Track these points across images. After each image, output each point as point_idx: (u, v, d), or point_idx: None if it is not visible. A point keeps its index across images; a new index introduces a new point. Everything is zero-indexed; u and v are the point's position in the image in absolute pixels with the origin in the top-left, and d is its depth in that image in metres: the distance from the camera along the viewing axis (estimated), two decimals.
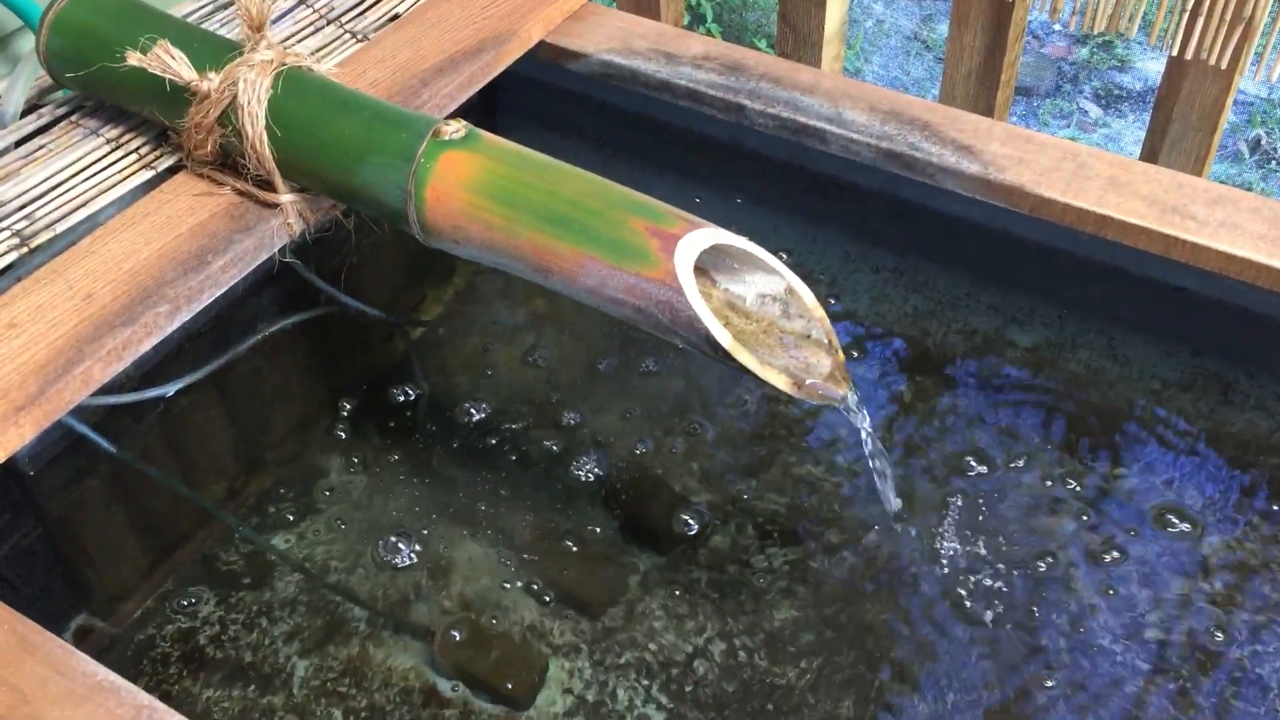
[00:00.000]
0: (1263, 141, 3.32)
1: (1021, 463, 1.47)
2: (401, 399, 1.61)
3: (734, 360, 1.16)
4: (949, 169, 1.50)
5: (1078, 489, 1.45)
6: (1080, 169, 1.48)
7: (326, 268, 1.63)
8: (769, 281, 1.23)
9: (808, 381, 1.18)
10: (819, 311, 1.21)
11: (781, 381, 1.17)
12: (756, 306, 1.24)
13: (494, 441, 1.56)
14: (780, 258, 1.27)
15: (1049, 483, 1.46)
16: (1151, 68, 3.62)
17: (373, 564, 1.45)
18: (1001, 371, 1.58)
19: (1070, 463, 1.47)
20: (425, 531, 1.47)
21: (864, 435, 1.22)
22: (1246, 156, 3.29)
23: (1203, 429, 1.50)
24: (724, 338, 1.15)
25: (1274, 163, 3.28)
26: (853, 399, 1.17)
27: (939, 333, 1.63)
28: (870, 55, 3.75)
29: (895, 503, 1.30)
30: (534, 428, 1.58)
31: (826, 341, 1.21)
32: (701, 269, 1.25)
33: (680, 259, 1.16)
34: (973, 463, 1.48)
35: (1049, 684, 1.30)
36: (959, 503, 1.45)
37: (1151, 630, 1.32)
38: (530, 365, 1.66)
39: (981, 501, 1.45)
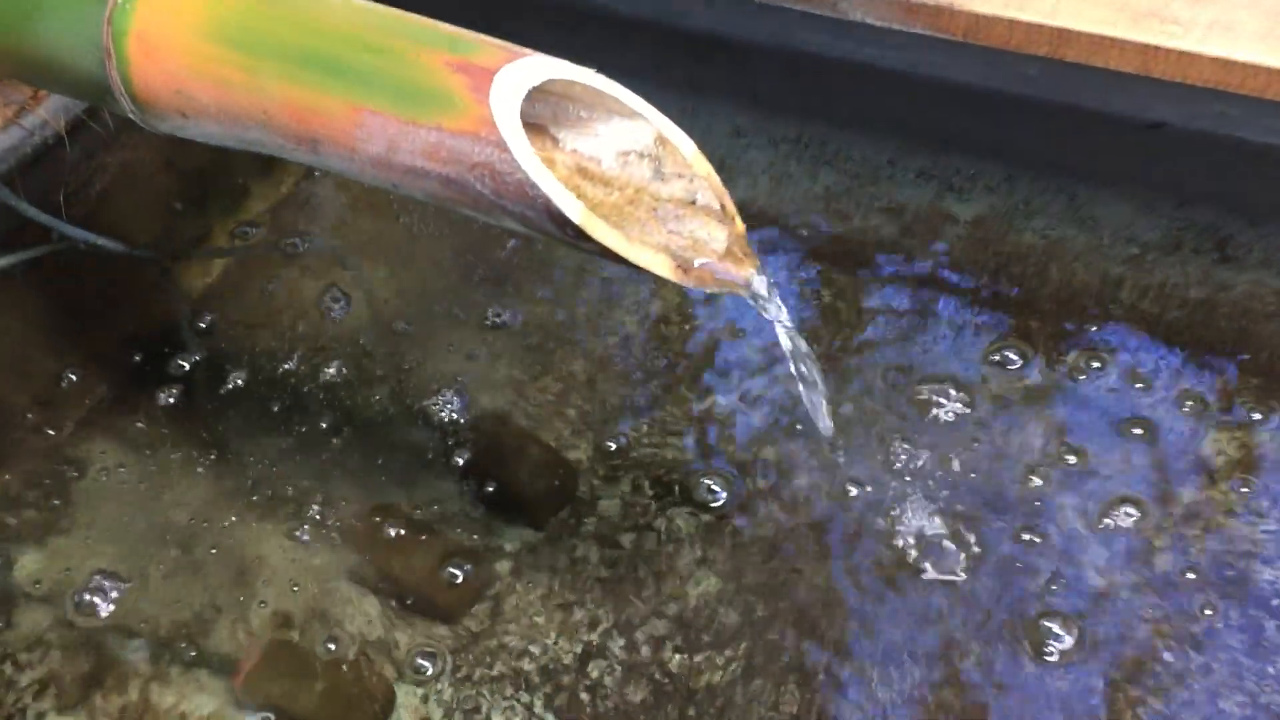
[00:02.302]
0: None
1: (974, 370, 1.15)
2: (182, 360, 1.23)
3: (591, 241, 0.80)
4: None
5: (1045, 399, 1.13)
6: None
7: (62, 194, 1.22)
8: (631, 132, 0.88)
9: (697, 263, 0.83)
10: (704, 166, 0.86)
11: (661, 265, 0.82)
12: (618, 168, 0.88)
13: (308, 407, 1.19)
14: None
15: (1009, 393, 1.13)
16: None
17: (155, 576, 1.08)
18: (940, 254, 1.25)
19: (1034, 364, 1.15)
20: (224, 525, 1.10)
21: (781, 332, 0.87)
22: None
23: (1196, 298, 1.18)
24: (572, 207, 0.79)
25: None
26: (761, 282, 0.82)
27: (859, 214, 1.29)
28: None
29: (827, 424, 0.97)
30: (360, 384, 1.21)
31: (719, 206, 0.86)
32: (537, 124, 0.89)
33: (499, 101, 0.80)
34: (915, 376, 1.15)
35: (1034, 651, 0.98)
36: (903, 426, 1.12)
37: (1151, 598, 1.01)
38: (352, 308, 1.28)
39: (929, 422, 1.12)
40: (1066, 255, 1.23)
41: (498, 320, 1.25)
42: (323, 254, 1.34)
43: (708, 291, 0.84)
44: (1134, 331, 1.17)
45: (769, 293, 0.83)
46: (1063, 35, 1.09)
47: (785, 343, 0.88)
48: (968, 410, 1.13)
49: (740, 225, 0.86)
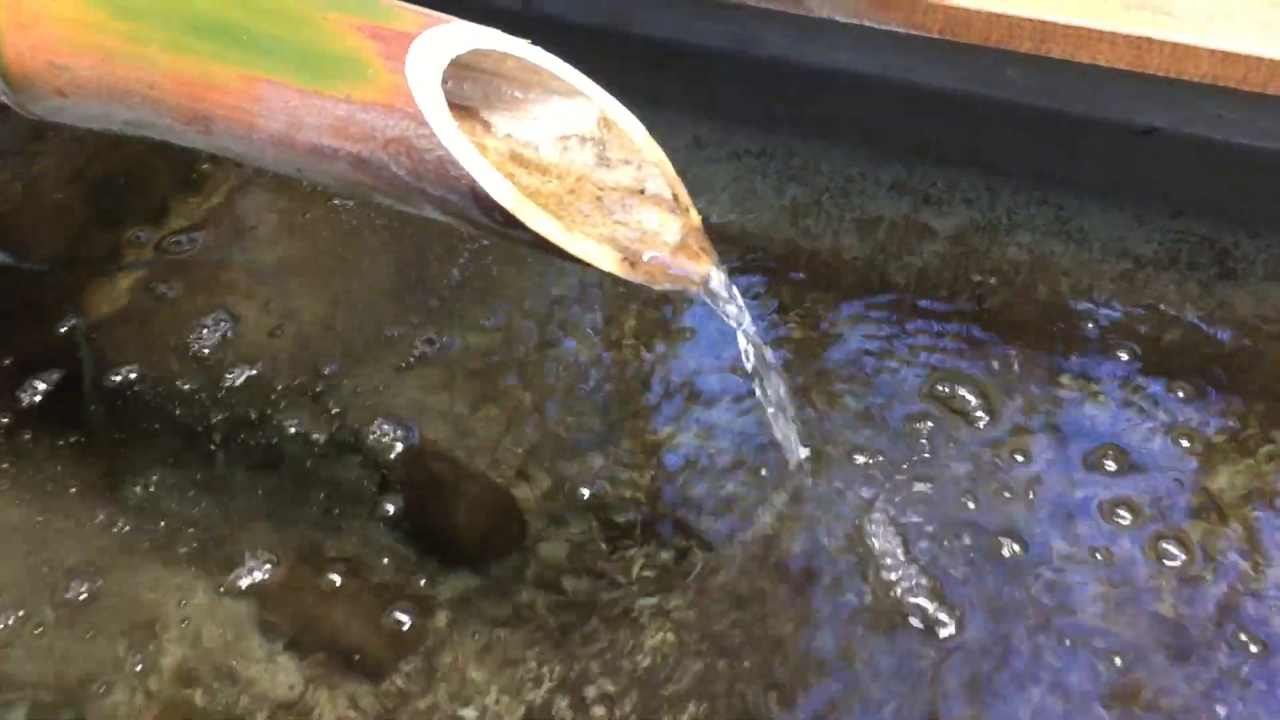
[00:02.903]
0: None
1: (955, 395, 1.04)
2: (77, 386, 1.10)
3: (523, 228, 0.69)
4: None
5: (1034, 426, 1.02)
6: None
7: None
8: (572, 113, 0.77)
9: (647, 256, 0.72)
10: (654, 151, 0.76)
11: (605, 257, 0.71)
12: (557, 154, 0.77)
13: (222, 440, 1.07)
14: None
15: (995, 420, 1.02)
16: None
17: (38, 628, 0.95)
18: (916, 272, 1.15)
19: (1019, 390, 1.04)
20: (120, 571, 0.98)
21: (743, 339, 0.76)
22: None
23: (1196, 315, 1.09)
24: (501, 190, 0.69)
25: None
26: (719, 278, 0.72)
27: (828, 231, 1.19)
28: None
29: (798, 452, 0.85)
30: (282, 415, 1.08)
31: (670, 196, 0.75)
32: (466, 106, 0.79)
33: (417, 68, 0.69)
34: (892, 403, 1.04)
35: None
36: (881, 458, 1.01)
37: (1160, 656, 0.90)
38: (274, 332, 1.16)
39: (910, 454, 1.01)
40: (1054, 270, 1.13)
41: (438, 345, 1.14)
42: (244, 272, 1.22)
43: (658, 289, 0.73)
44: (1128, 352, 1.07)
45: (728, 292, 0.73)
46: (1047, 29, 1.00)
47: (746, 350, 0.77)
48: (951, 440, 1.02)
49: (695, 217, 0.76)
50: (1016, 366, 1.07)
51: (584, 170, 0.77)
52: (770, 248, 1.19)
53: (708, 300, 0.73)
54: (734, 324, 0.74)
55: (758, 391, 0.80)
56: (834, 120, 1.23)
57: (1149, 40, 0.97)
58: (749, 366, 0.78)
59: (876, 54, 1.12)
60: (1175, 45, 0.96)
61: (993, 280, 1.13)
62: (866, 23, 1.06)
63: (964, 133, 1.18)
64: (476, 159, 0.68)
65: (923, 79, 1.13)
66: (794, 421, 0.84)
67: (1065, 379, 1.05)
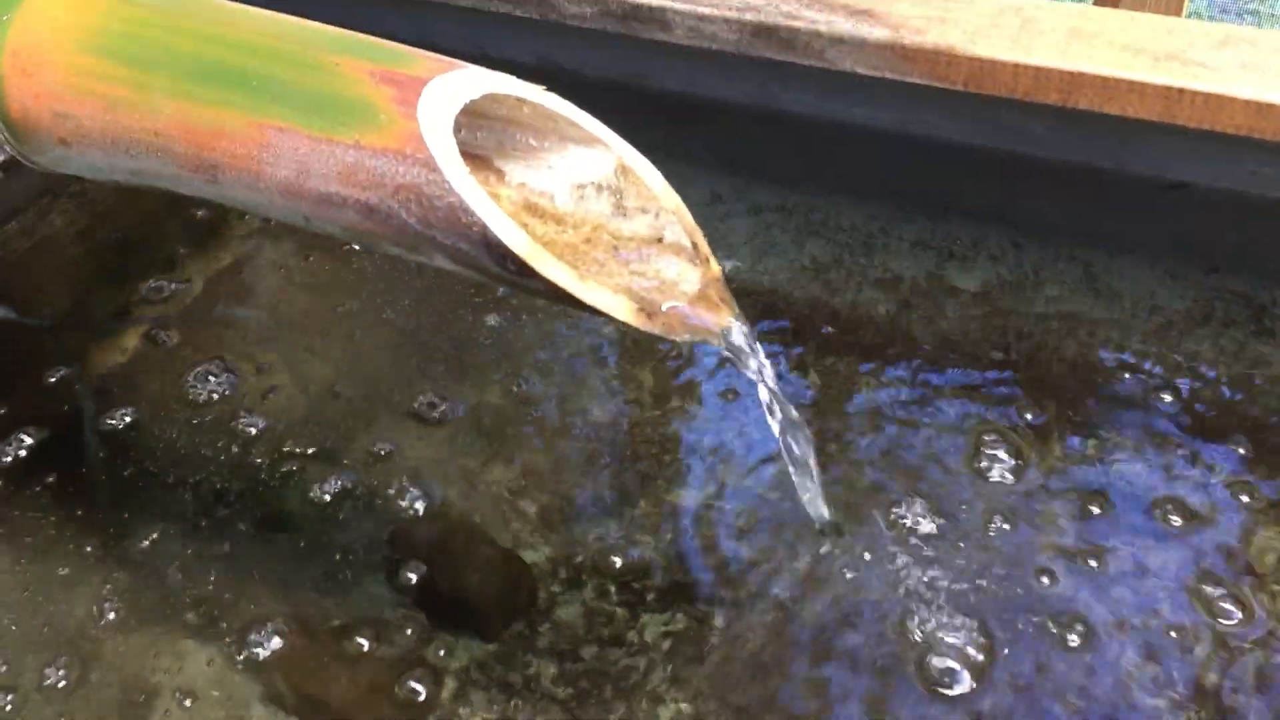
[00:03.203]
0: None
1: (985, 456, 1.00)
2: (77, 446, 1.08)
3: (537, 277, 0.66)
4: (845, 39, 1.05)
5: (1066, 490, 0.98)
6: (1027, 24, 1.04)
7: None
8: (588, 161, 0.75)
9: (666, 306, 0.69)
10: (672, 199, 0.73)
11: (621, 307, 0.68)
12: (572, 204, 0.75)
13: (224, 502, 1.04)
14: None
15: (1025, 484, 0.98)
16: None
17: (30, 695, 0.91)
18: (941, 330, 1.11)
19: (1049, 449, 1.00)
20: (118, 638, 0.94)
21: (765, 397, 0.73)
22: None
23: (1229, 375, 1.05)
24: (514, 237, 0.66)
25: None
26: (741, 330, 0.69)
27: (850, 287, 1.16)
28: None
29: (822, 513, 0.81)
30: (286, 475, 1.06)
31: (690, 245, 0.72)
32: (480, 156, 0.76)
33: (429, 113, 0.67)
34: (919, 466, 1.00)
35: None
36: (908, 522, 0.97)
37: None
38: (279, 392, 1.14)
39: (939, 518, 0.97)
40: (1083, 328, 1.09)
41: (449, 403, 1.11)
42: (253, 329, 1.20)
43: (677, 340, 0.70)
44: (1162, 410, 1.03)
45: (750, 345, 0.70)
46: (1075, 79, 0.98)
47: (769, 405, 0.74)
48: (980, 500, 0.98)
49: (716, 267, 0.73)
50: (1046, 425, 1.03)
51: (600, 220, 0.74)
52: (790, 304, 1.17)
53: (728, 353, 0.70)
54: (755, 378, 0.71)
55: (780, 448, 0.77)
56: (855, 176, 1.21)
57: (1180, 91, 0.94)
58: (772, 423, 0.74)
59: (898, 108, 1.10)
60: (1208, 96, 0.94)
61: (1020, 338, 1.10)
62: (889, 75, 1.04)
63: (988, 188, 1.15)
64: (489, 205, 0.66)
65: (946, 134, 1.11)
66: (818, 480, 0.80)
67: (1097, 437, 1.02)
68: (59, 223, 1.17)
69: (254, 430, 1.08)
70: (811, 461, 0.78)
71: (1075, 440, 1.01)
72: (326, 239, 1.30)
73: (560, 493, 1.04)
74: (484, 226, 0.66)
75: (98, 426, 1.10)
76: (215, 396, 1.12)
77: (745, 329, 0.70)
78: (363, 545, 1.01)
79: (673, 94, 1.22)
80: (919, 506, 0.97)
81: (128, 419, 1.10)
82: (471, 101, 0.72)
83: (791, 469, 0.78)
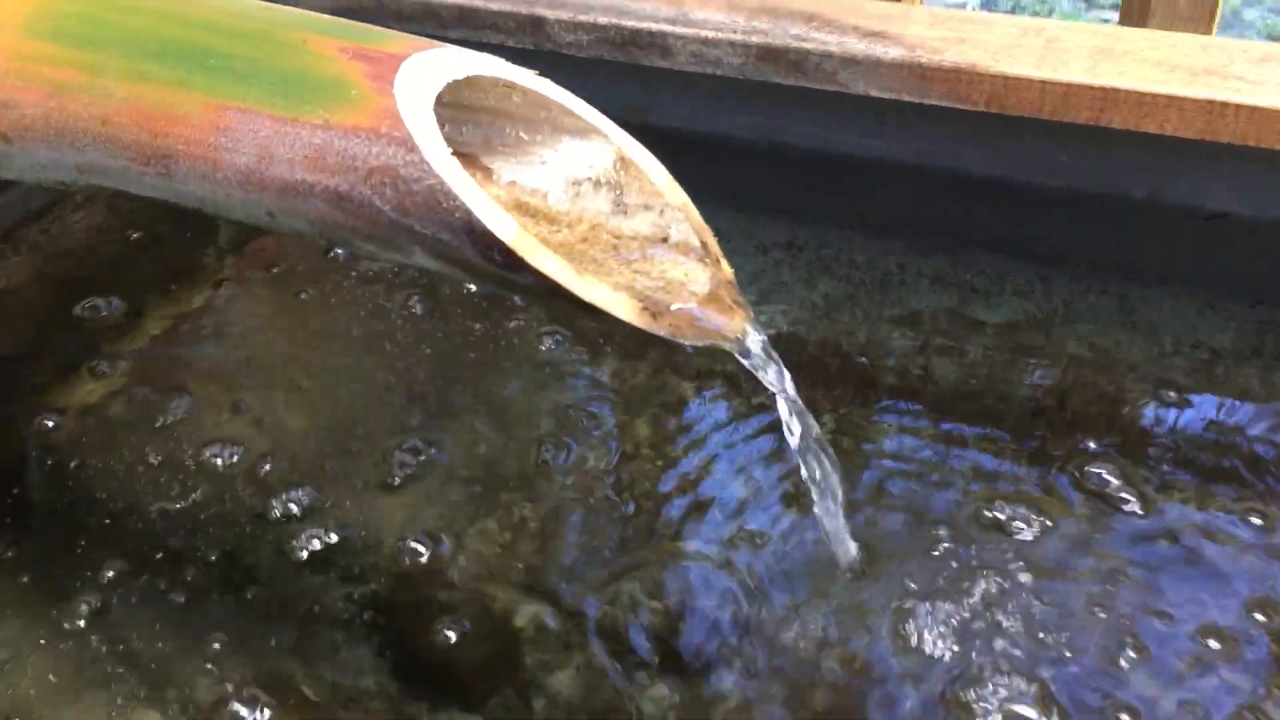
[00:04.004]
0: None
1: (1015, 504, 0.91)
2: (31, 498, 0.99)
3: (527, 270, 0.58)
4: (858, 60, 0.99)
5: (1107, 540, 0.88)
6: (1052, 43, 0.98)
7: None
8: (585, 154, 0.68)
9: (674, 307, 0.61)
10: (678, 194, 0.66)
11: (621, 305, 0.60)
12: (568, 201, 0.67)
13: (190, 559, 0.95)
14: None
15: (1063, 534, 0.89)
16: None
17: None
18: (964, 369, 1.03)
19: (1083, 497, 0.91)
20: (68, 707, 0.83)
21: (785, 412, 0.64)
22: None
23: None
24: (500, 223, 0.58)
25: None
26: (756, 337, 0.60)
27: (864, 328, 1.09)
28: None
29: (849, 549, 0.72)
30: (257, 529, 0.96)
31: (699, 244, 0.65)
32: (465, 152, 0.69)
33: (407, 89, 0.60)
34: (947, 518, 0.91)
35: None
36: (938, 580, 0.88)
37: None
38: (250, 441, 1.05)
39: (969, 574, 0.87)
40: (1120, 364, 1.01)
41: (431, 452, 1.02)
42: (223, 374, 1.11)
43: (685, 343, 0.62)
44: (1209, 449, 0.94)
45: (766, 353, 0.61)
46: (1108, 96, 0.91)
47: (788, 422, 0.65)
48: (1014, 557, 0.89)
49: (727, 269, 0.65)
50: (1080, 471, 0.94)
51: (598, 218, 0.67)
52: (802, 346, 1.09)
53: (742, 361, 0.62)
54: (773, 388, 0.63)
55: (802, 472, 0.68)
56: (868, 210, 1.14)
57: (1222, 105, 0.88)
58: (791, 440, 0.66)
59: (912, 139, 1.04)
60: (1252, 109, 0.87)
61: (1051, 376, 1.02)
62: (905, 97, 0.97)
63: (1012, 220, 1.08)
64: (472, 188, 0.58)
65: (965, 164, 1.04)
66: (840, 507, 0.71)
67: (1138, 482, 0.93)
68: (22, 263, 1.10)
69: (221, 480, 1.00)
70: (835, 486, 0.69)
71: (1113, 483, 0.92)
72: (300, 276, 1.22)
73: (553, 548, 0.95)
74: (467, 211, 0.58)
75: (48, 475, 1.01)
76: (178, 444, 1.03)
77: (762, 336, 0.62)
78: (336, 606, 0.91)
79: (672, 129, 1.16)
80: (945, 561, 0.88)
81: (80, 468, 1.01)
82: (457, 92, 0.65)
83: (814, 496, 0.69)
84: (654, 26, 1.05)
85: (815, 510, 0.70)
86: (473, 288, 1.17)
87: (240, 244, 1.28)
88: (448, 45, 0.64)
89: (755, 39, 1.02)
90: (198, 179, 0.64)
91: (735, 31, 1.03)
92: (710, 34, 1.04)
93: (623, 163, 0.67)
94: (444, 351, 1.11)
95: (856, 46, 0.99)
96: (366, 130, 0.60)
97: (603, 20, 1.07)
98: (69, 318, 1.15)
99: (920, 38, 1.00)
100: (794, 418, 0.65)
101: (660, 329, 0.60)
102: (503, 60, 0.65)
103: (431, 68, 0.62)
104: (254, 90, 0.62)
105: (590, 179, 0.67)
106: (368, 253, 0.65)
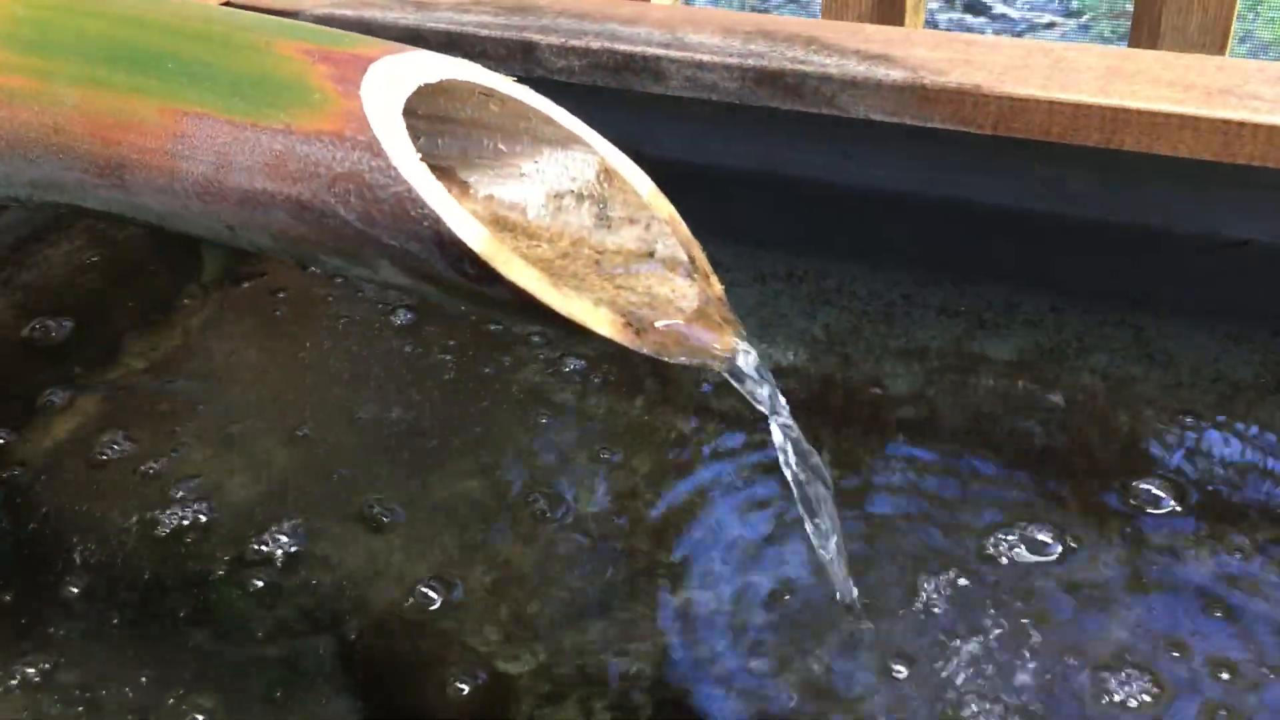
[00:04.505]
0: None
1: (1027, 542, 0.86)
2: None
3: (500, 282, 0.54)
4: (859, 83, 0.95)
5: (1122, 581, 0.83)
6: (1060, 63, 0.94)
7: None
8: (566, 166, 0.64)
9: (660, 324, 0.56)
10: (665, 207, 0.62)
11: (603, 320, 0.55)
12: (548, 216, 0.63)
13: (162, 603, 0.90)
14: None
15: (1073, 575, 0.84)
16: None
17: None
18: (973, 403, 0.99)
19: (1100, 536, 0.86)
20: None
21: (779, 437, 0.60)
22: None
23: None
24: (473, 232, 0.54)
25: None
26: (748, 356, 0.56)
27: (868, 360, 1.04)
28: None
29: (848, 585, 0.67)
30: (232, 572, 0.92)
31: (686, 259, 0.60)
32: (441, 167, 0.65)
33: (374, 91, 0.56)
34: (954, 560, 0.86)
35: None
36: (940, 623, 0.82)
37: None
38: (230, 477, 1.00)
39: (976, 614, 0.82)
40: (1137, 397, 0.97)
41: (414, 494, 0.97)
42: (199, 415, 1.07)
43: (672, 361, 0.58)
44: (1229, 485, 0.89)
45: (759, 373, 0.57)
46: (1120, 116, 0.87)
47: (782, 446, 0.61)
48: (1021, 600, 0.84)
49: (718, 285, 0.61)
50: (1097, 508, 0.89)
51: (580, 233, 0.63)
52: (803, 380, 1.04)
53: (733, 382, 0.57)
54: (766, 411, 0.58)
55: (796, 494, 0.63)
56: (871, 240, 1.10)
57: (1240, 124, 0.84)
58: (786, 470, 0.61)
59: (916, 167, 1.00)
60: (1271, 129, 0.83)
61: (1063, 410, 0.97)
62: (908, 121, 0.94)
63: (1022, 246, 1.04)
64: (442, 194, 0.54)
65: (971, 191, 1.00)
66: (837, 538, 0.66)
67: (1156, 522, 0.88)
68: None
69: (194, 526, 0.95)
70: (828, 510, 0.64)
71: (1131, 522, 0.87)
72: (274, 308, 1.18)
73: (542, 594, 0.90)
74: (436, 219, 0.54)
75: (12, 518, 0.96)
76: (148, 488, 0.98)
77: (753, 356, 0.58)
78: (312, 657, 0.86)
79: (668, 160, 1.12)
80: (951, 609, 0.82)
81: (46, 511, 0.96)
82: (433, 103, 0.61)
83: (807, 524, 0.64)
84: (648, 50, 1.02)
85: (814, 544, 0.66)
86: (460, 316, 1.14)
87: (227, 273, 1.25)
88: (420, 49, 0.60)
89: (751, 62, 0.99)
90: (154, 191, 0.60)
91: (731, 55, 1.00)
92: (705, 57, 1.00)
93: (606, 174, 0.63)
94: (433, 388, 1.07)
95: (857, 69, 0.96)
96: (330, 134, 0.56)
97: (595, 45, 1.03)
98: (43, 358, 1.12)
99: (923, 59, 0.97)
100: (789, 443, 0.60)
101: (644, 346, 0.55)
102: (479, 66, 0.61)
103: (402, 71, 0.58)
104: (211, 94, 0.58)
105: (572, 192, 0.63)
106: (334, 269, 0.61)
